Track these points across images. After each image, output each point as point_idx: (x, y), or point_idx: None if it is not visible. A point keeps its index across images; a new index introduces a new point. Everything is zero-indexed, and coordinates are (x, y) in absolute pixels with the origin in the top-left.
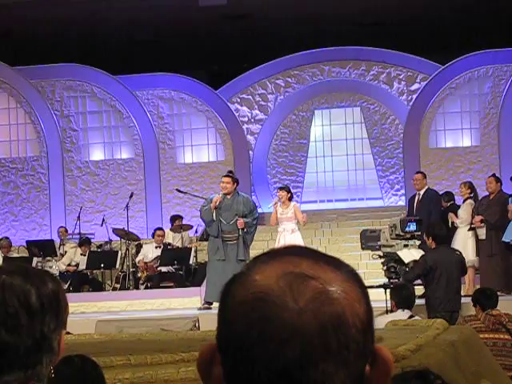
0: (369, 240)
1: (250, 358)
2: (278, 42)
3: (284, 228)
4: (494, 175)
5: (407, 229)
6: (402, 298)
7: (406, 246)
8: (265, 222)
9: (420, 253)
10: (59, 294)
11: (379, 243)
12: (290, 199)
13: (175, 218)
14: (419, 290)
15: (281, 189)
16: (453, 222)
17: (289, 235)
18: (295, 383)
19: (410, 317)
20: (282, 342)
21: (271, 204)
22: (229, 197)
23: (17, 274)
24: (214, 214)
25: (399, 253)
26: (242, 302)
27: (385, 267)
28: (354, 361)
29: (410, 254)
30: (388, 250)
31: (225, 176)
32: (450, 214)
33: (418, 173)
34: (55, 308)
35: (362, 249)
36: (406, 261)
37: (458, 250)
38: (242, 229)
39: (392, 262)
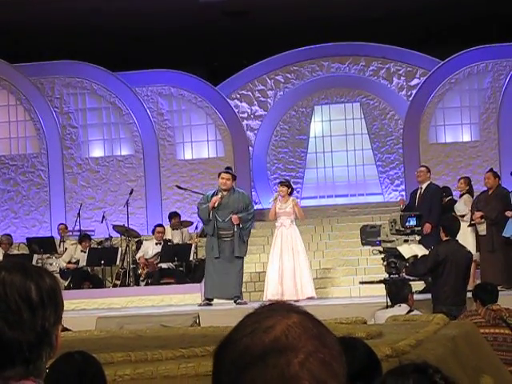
0: (369, 235)
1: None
2: (278, 38)
3: (281, 223)
4: (491, 170)
5: (407, 224)
6: (392, 294)
7: (406, 241)
8: (265, 218)
9: (420, 248)
10: (57, 290)
11: (379, 238)
12: (290, 194)
13: (173, 215)
14: (419, 285)
15: (282, 184)
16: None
17: (286, 230)
18: None
19: (409, 311)
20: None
21: (272, 199)
22: (225, 193)
23: (16, 270)
24: (210, 213)
25: (399, 248)
26: None
27: (385, 263)
28: None
29: (411, 249)
30: (388, 245)
31: (224, 172)
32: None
33: (422, 166)
34: (54, 302)
35: (362, 244)
36: (407, 256)
37: (466, 248)
38: (238, 224)
39: (392, 258)
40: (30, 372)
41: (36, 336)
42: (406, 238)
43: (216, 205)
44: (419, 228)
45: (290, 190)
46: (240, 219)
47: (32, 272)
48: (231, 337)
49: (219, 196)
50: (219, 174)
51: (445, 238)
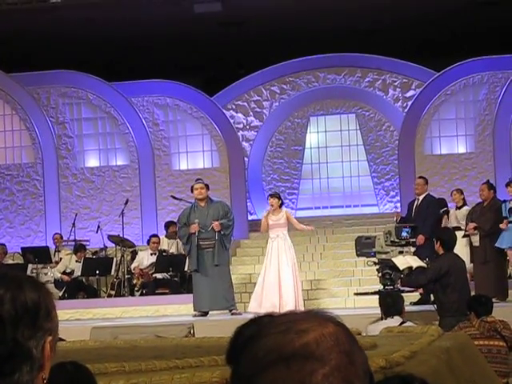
0: (363, 247)
1: None
2: (273, 49)
3: (277, 235)
4: (487, 182)
5: (402, 235)
6: (386, 306)
7: (401, 252)
8: (259, 229)
9: (415, 259)
10: (38, 302)
11: (374, 250)
12: (281, 205)
13: (169, 225)
14: (414, 297)
15: (272, 196)
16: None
17: (282, 242)
18: None
19: (402, 323)
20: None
21: (264, 214)
22: (202, 204)
23: None
24: (190, 238)
25: (394, 259)
26: None
27: (380, 274)
28: None
29: (405, 260)
30: (383, 256)
31: (197, 183)
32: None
33: (419, 177)
34: (32, 316)
35: (357, 255)
36: (401, 267)
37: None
38: (219, 231)
39: (387, 269)
40: None
41: (7, 349)
42: (401, 249)
43: (196, 231)
44: (414, 239)
45: (280, 202)
46: (221, 225)
47: (10, 282)
48: (261, 330)
49: (196, 224)
50: (192, 188)
51: (441, 252)
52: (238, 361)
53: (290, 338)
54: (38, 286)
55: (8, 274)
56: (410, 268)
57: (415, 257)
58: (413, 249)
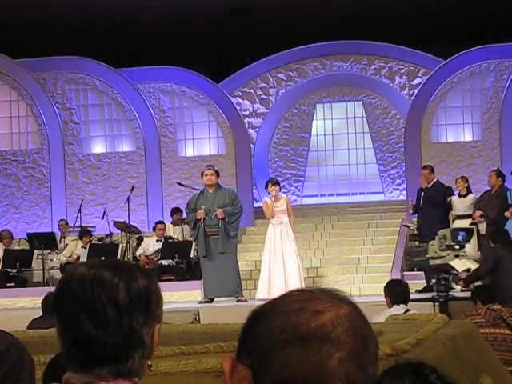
0: (415, 255)
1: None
2: (280, 36)
3: (280, 221)
4: (496, 170)
5: (458, 238)
6: (395, 293)
7: (457, 256)
8: (264, 216)
9: (472, 262)
10: (150, 289)
11: (427, 256)
12: (279, 191)
13: (175, 211)
14: (419, 285)
15: (273, 183)
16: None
17: (284, 228)
18: None
19: (406, 311)
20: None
21: (269, 202)
22: (211, 191)
23: (107, 268)
24: (197, 223)
25: (452, 263)
26: None
27: (434, 281)
28: None
29: (463, 263)
30: (438, 261)
31: (208, 169)
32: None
33: (424, 168)
34: (145, 303)
35: (408, 266)
36: (460, 270)
37: None
38: (223, 219)
39: (443, 274)
40: (120, 372)
41: (122, 336)
42: (457, 253)
43: (202, 217)
44: (469, 242)
45: (279, 188)
46: (225, 213)
47: (123, 271)
48: (275, 306)
49: (202, 210)
50: (202, 174)
51: (492, 245)
52: (249, 335)
53: (306, 317)
54: (147, 274)
55: (119, 262)
56: (467, 270)
57: (471, 259)
58: (468, 251)
